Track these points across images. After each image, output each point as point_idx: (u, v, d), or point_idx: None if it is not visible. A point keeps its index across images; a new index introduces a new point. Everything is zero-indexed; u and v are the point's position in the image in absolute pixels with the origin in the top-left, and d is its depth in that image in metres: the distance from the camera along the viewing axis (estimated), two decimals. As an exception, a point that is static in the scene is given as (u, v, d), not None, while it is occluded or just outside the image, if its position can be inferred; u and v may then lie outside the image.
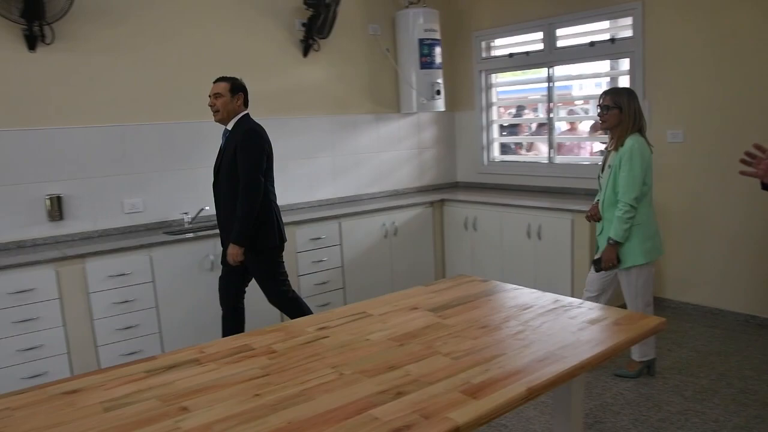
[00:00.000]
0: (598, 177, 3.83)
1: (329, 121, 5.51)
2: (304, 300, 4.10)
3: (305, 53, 5.23)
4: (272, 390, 1.92)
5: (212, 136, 4.76)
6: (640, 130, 3.58)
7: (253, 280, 4.00)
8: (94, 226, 4.43)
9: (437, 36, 5.73)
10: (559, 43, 5.43)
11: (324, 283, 4.89)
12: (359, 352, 2.21)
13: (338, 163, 5.60)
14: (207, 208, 4.72)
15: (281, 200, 4.85)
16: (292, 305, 3.99)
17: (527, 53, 5.68)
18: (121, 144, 4.50)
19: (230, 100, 3.76)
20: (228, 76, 3.80)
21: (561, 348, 2.13)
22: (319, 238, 4.83)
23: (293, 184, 5.32)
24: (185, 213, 4.69)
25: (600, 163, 3.89)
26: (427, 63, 5.64)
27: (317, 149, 5.46)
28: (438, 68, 5.74)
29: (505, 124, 6.48)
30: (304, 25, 5.13)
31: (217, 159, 3.89)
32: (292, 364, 2.13)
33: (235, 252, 3.75)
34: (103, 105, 4.39)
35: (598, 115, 3.67)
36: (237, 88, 3.79)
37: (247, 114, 3.85)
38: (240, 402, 1.84)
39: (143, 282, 4.10)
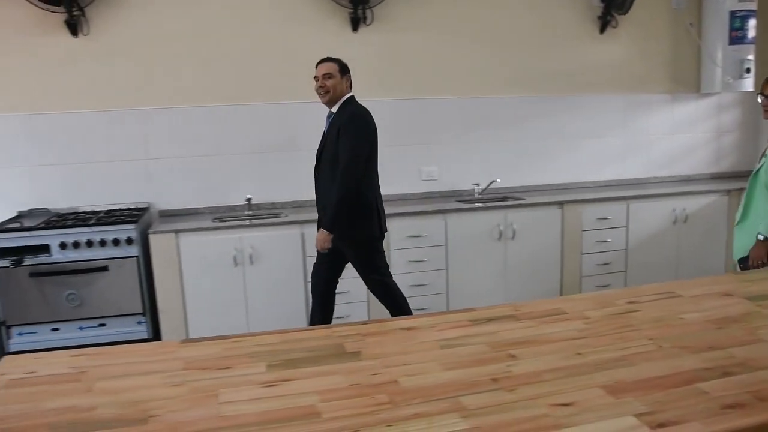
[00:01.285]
0: None
1: (623, 100, 5.35)
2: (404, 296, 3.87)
3: (602, 30, 5.13)
4: (592, 351, 2.00)
5: (508, 110, 4.96)
6: None
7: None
8: (395, 190, 4.87)
9: (753, 7, 5.22)
10: None
11: (606, 264, 4.82)
12: (675, 329, 2.19)
13: (628, 143, 5.43)
14: (498, 180, 4.92)
15: (572, 178, 4.89)
16: (390, 298, 3.78)
17: None
18: (420, 115, 4.86)
19: (340, 80, 3.60)
20: (333, 57, 3.66)
21: None
22: (605, 218, 4.76)
23: (580, 163, 5.29)
24: (476, 184, 4.93)
25: None
26: (737, 38, 5.18)
27: (607, 128, 5.34)
28: (750, 44, 5.24)
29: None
30: (603, 1, 5.02)
31: (321, 143, 3.75)
32: (607, 330, 2.18)
33: (323, 238, 3.59)
34: (409, 79, 4.79)
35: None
36: (345, 68, 3.65)
37: (353, 96, 3.71)
38: (563, 357, 1.95)
39: (437, 245, 4.43)
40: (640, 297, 2.57)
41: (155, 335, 4.22)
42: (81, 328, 4.16)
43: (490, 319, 2.33)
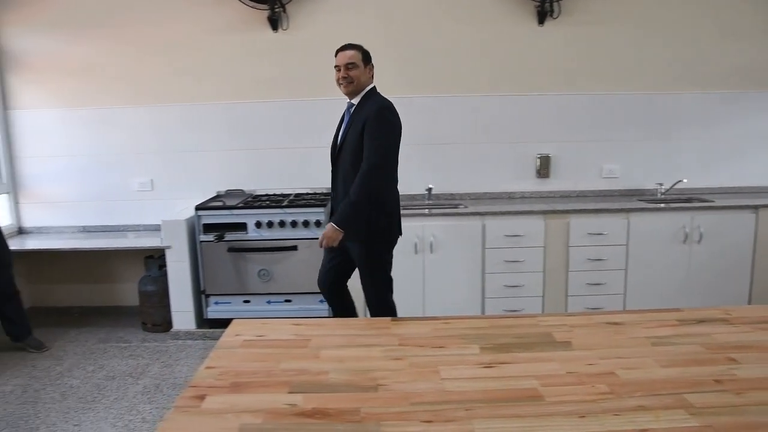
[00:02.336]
0: None
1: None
2: None
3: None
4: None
5: (694, 107, 4.71)
6: None
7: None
8: (574, 186, 4.80)
9: None
10: None
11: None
12: None
13: None
14: (685, 180, 4.69)
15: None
16: (373, 308, 3.46)
17: None
18: (603, 110, 4.74)
19: (363, 70, 3.29)
20: (355, 43, 3.34)
21: None
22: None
23: (758, 166, 4.91)
24: (660, 183, 4.73)
25: None
26: None
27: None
28: None
29: None
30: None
31: (338, 135, 3.43)
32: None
33: (333, 235, 3.23)
34: (594, 73, 4.68)
35: None
36: (368, 56, 3.34)
37: (375, 87, 3.40)
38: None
39: (617, 244, 4.31)
40: None
41: (335, 314, 4.47)
42: (269, 302, 4.50)
43: (700, 321, 2.26)
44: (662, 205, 4.44)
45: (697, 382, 1.77)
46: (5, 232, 4.27)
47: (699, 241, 4.32)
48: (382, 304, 3.43)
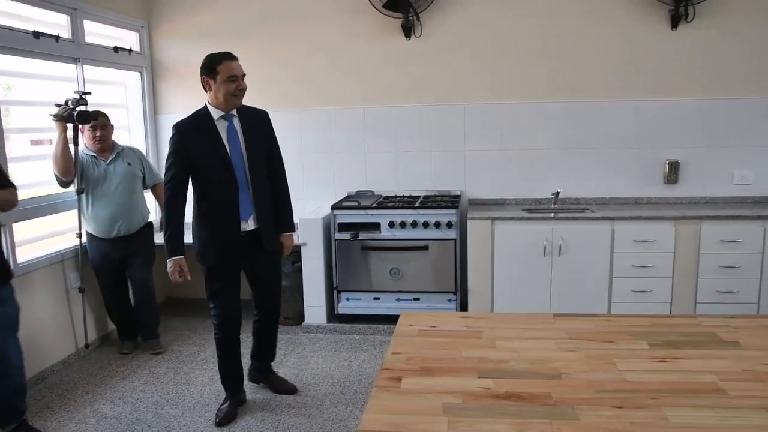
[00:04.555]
0: None
1: None
2: None
3: None
4: None
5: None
6: None
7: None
8: (702, 193, 4.75)
9: None
10: None
11: None
12: None
13: None
14: (827, 187, 4.56)
15: None
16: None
17: None
18: (734, 115, 4.66)
19: None
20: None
21: None
22: None
23: None
24: (797, 190, 4.62)
25: None
26: None
27: None
28: None
29: None
30: None
31: (231, 147, 3.24)
32: None
33: (292, 243, 3.63)
34: (726, 78, 4.62)
35: None
36: None
37: None
38: None
39: (752, 252, 4.25)
40: None
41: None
42: (398, 300, 4.71)
43: None
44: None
45: None
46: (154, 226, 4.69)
47: (841, 251, 4.19)
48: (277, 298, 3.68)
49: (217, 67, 3.15)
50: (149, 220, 4.50)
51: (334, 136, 5.11)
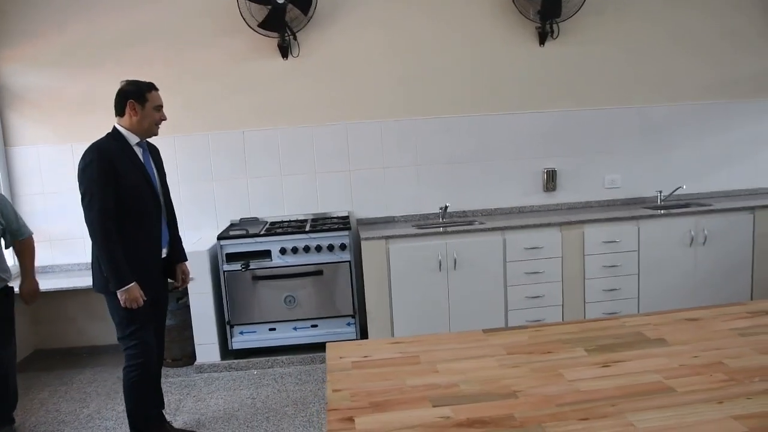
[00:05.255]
0: None
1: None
2: None
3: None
4: None
5: (687, 118, 5.01)
6: None
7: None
8: (579, 198, 5.02)
9: None
10: None
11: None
12: None
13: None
14: (684, 187, 4.96)
15: (759, 183, 4.91)
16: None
17: None
18: (603, 124, 5.01)
19: None
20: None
21: None
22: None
23: (748, 170, 5.25)
24: (659, 191, 4.99)
25: None
26: None
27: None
28: None
29: None
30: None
31: (147, 175, 3.20)
32: None
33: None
34: (593, 90, 4.95)
35: None
36: None
37: None
38: None
39: (629, 250, 4.53)
40: None
41: (363, 336, 4.54)
42: (295, 329, 4.53)
43: (766, 312, 2.44)
44: (672, 210, 4.69)
45: (800, 365, 1.93)
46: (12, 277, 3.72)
47: (704, 244, 4.57)
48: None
49: (147, 95, 3.14)
50: (10, 283, 3.55)
51: (213, 162, 4.86)
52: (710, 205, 4.77)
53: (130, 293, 3.03)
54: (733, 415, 1.64)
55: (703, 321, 2.37)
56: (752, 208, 4.63)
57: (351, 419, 1.76)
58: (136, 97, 3.10)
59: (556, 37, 4.78)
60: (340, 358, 2.25)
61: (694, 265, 4.60)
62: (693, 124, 5.08)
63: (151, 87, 3.18)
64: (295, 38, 4.67)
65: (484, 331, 2.44)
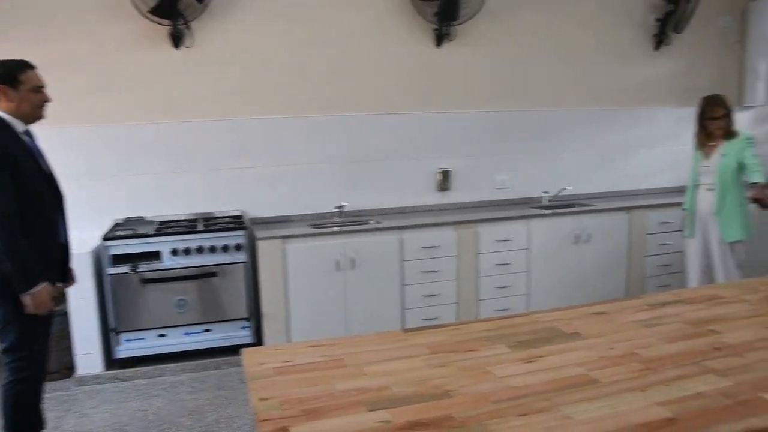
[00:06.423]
0: None
1: (675, 113, 5.66)
2: None
3: (657, 47, 5.51)
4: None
5: (572, 122, 5.29)
6: None
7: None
8: (471, 198, 5.16)
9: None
10: None
11: (667, 265, 5.11)
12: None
13: (681, 152, 5.70)
14: (570, 188, 5.23)
15: (632, 185, 5.28)
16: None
17: None
18: (496, 126, 5.18)
19: None
20: None
21: None
22: (667, 222, 5.05)
23: (638, 171, 5.65)
24: (545, 192, 5.23)
25: None
26: (778, 54, 5.62)
27: (662, 139, 5.67)
28: (788, 59, 5.67)
29: None
30: (658, 20, 5.39)
31: (38, 163, 2.93)
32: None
33: None
34: (486, 92, 5.10)
35: None
36: None
37: None
38: (759, 330, 2.25)
39: (520, 248, 4.71)
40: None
41: (258, 340, 4.40)
42: (187, 334, 4.31)
43: (663, 304, 2.61)
44: (558, 210, 4.93)
45: (702, 351, 2.07)
46: None
47: (587, 242, 4.84)
48: None
49: (20, 76, 2.79)
50: None
51: (95, 157, 4.49)
52: (592, 205, 5.06)
53: (38, 296, 2.71)
54: (657, 401, 1.72)
55: (610, 314, 2.49)
56: (628, 209, 4.97)
57: (285, 429, 1.68)
58: (6, 80, 2.77)
59: (453, 39, 4.87)
60: (260, 364, 2.14)
61: (578, 262, 4.85)
62: (577, 128, 5.39)
63: (23, 66, 2.83)
64: (188, 27, 4.43)
65: (404, 330, 2.42)
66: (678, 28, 5.37)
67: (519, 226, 4.70)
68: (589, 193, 5.42)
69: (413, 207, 5.04)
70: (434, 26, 4.80)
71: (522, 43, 5.13)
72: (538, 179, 5.31)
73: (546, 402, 1.74)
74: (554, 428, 1.60)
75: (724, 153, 4.19)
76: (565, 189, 5.24)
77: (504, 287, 4.72)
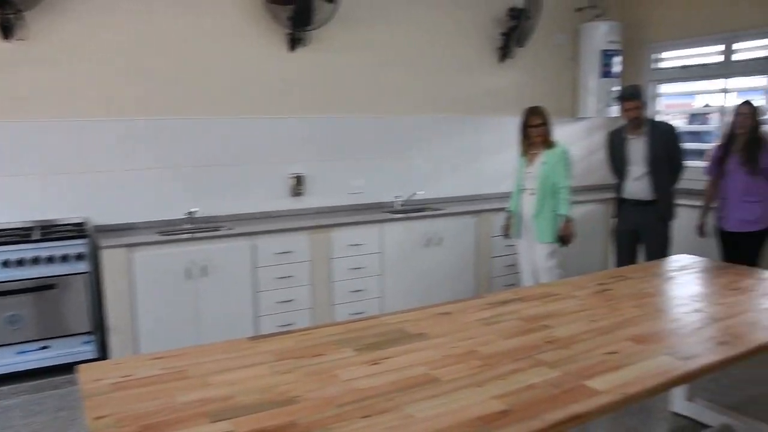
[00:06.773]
0: None
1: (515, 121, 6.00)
2: None
3: (502, 59, 5.83)
4: (601, 317, 2.52)
5: (423, 129, 5.47)
6: None
7: None
8: (325, 203, 5.16)
9: (618, 47, 6.18)
10: (735, 57, 5.72)
11: (512, 265, 5.39)
12: (654, 298, 2.80)
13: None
14: (421, 192, 5.39)
15: (479, 190, 5.55)
16: None
17: (704, 65, 5.94)
18: (350, 132, 5.23)
19: None
20: None
21: None
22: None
23: (483, 176, 5.91)
24: (398, 196, 5.35)
25: None
26: (607, 72, 6.13)
27: (506, 145, 5.95)
28: (616, 77, 6.19)
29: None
30: (503, 34, 5.71)
31: None
32: (600, 304, 2.71)
33: None
34: (338, 98, 5.13)
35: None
36: None
37: None
38: (585, 324, 2.44)
39: (373, 252, 4.78)
40: (605, 280, 3.14)
41: (102, 355, 4.12)
42: (20, 353, 3.95)
43: (502, 302, 2.75)
44: (410, 214, 5.05)
45: (535, 346, 2.21)
46: None
47: (439, 244, 5.01)
48: None
49: None
50: None
51: None
52: (442, 209, 5.25)
53: None
54: (493, 395, 1.81)
55: (455, 314, 2.59)
56: (476, 212, 5.21)
57: (121, 449, 1.58)
58: None
59: (307, 44, 4.86)
60: (97, 380, 2.01)
61: (430, 264, 5.01)
62: (427, 135, 5.57)
63: None
64: (21, 18, 4.04)
65: (250, 338, 2.37)
66: (520, 43, 5.71)
67: (372, 231, 4.77)
68: (439, 198, 5.62)
69: (267, 212, 4.96)
70: (288, 31, 4.76)
71: (374, 51, 5.22)
72: (391, 184, 5.42)
73: (389, 402, 1.77)
74: (396, 428, 1.63)
75: (545, 161, 4.48)
76: (416, 194, 5.39)
77: (358, 291, 4.77)
